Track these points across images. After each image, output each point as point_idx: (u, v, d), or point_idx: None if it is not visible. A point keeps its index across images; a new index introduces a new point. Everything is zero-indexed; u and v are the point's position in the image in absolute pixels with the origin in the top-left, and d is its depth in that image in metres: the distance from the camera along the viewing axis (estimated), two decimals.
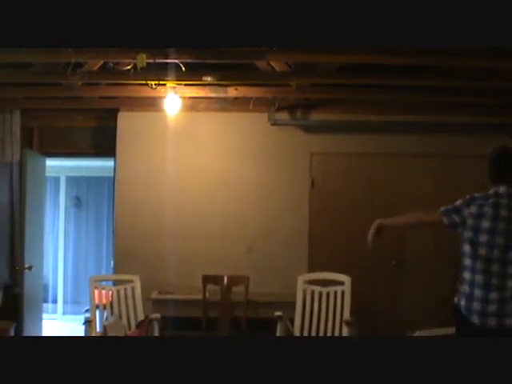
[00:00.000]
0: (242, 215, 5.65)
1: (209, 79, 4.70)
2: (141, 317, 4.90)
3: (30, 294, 5.62)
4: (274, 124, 5.61)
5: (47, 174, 6.29)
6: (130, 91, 5.17)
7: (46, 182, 6.67)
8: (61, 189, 8.47)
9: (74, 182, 8.63)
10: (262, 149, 5.68)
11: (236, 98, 5.47)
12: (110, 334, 4.46)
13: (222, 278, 5.08)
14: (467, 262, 2.97)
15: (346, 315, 4.71)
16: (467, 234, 2.97)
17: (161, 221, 5.59)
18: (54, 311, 8.30)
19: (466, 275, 2.96)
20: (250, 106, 5.52)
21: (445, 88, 5.05)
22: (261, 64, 4.74)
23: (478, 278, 2.90)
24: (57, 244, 8.50)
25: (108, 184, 7.78)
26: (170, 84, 4.77)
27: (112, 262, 5.89)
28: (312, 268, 5.43)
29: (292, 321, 4.83)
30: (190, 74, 4.63)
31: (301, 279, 4.95)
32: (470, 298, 2.92)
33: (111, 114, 5.69)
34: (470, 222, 2.97)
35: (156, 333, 4.57)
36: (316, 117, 5.68)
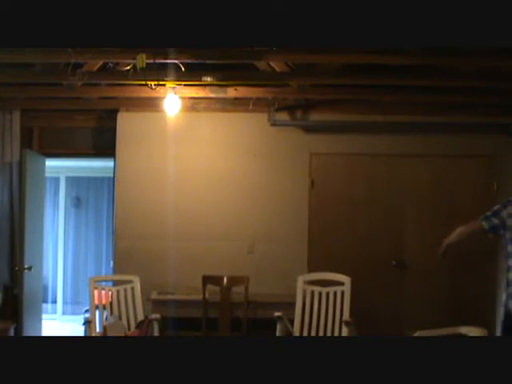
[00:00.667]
0: (241, 215, 5.65)
1: (209, 79, 4.69)
2: (140, 317, 4.90)
3: (30, 294, 5.62)
4: (273, 124, 5.61)
5: (47, 174, 6.29)
6: (129, 92, 5.17)
7: (46, 183, 6.67)
8: (61, 189, 8.48)
9: (74, 182, 8.63)
10: (262, 149, 5.68)
11: (236, 99, 5.47)
12: (110, 334, 4.45)
13: (222, 278, 5.08)
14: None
15: (346, 315, 4.70)
16: (509, 235, 2.98)
17: (160, 221, 5.59)
18: (54, 311, 8.30)
19: None
20: (250, 107, 5.52)
21: (445, 88, 5.05)
22: (261, 64, 4.74)
23: None
24: (56, 244, 8.50)
25: (108, 184, 7.80)
26: (169, 84, 4.76)
27: (112, 263, 5.89)
28: (312, 268, 5.44)
29: (292, 321, 4.83)
30: (190, 74, 4.63)
31: (301, 279, 4.94)
32: None
33: (111, 115, 5.69)
34: (509, 222, 2.98)
35: (156, 333, 4.57)
36: (316, 117, 5.68)
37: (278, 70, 4.77)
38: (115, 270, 5.63)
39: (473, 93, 5.10)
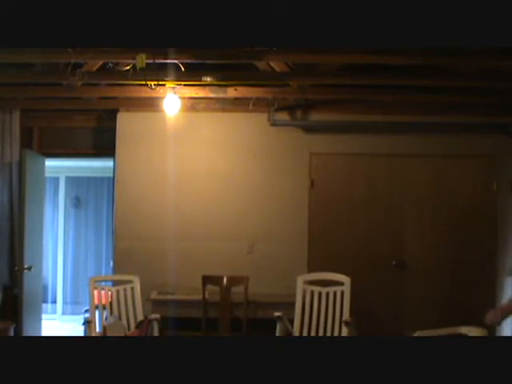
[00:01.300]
0: (241, 215, 5.65)
1: (208, 79, 4.69)
2: (140, 317, 4.89)
3: (30, 294, 5.62)
4: (273, 124, 5.61)
5: (47, 174, 6.29)
6: (129, 91, 5.17)
7: (46, 183, 6.67)
8: (60, 189, 8.47)
9: (74, 182, 8.62)
10: (262, 149, 5.68)
11: (236, 99, 5.47)
12: (110, 334, 4.44)
13: (222, 278, 5.08)
14: None
15: (346, 315, 4.70)
16: None
17: (160, 221, 5.59)
18: (54, 311, 8.29)
19: None
20: (250, 107, 5.52)
21: (445, 88, 5.05)
22: (261, 64, 4.74)
23: None
24: (56, 244, 8.49)
25: (108, 184, 7.79)
26: (169, 84, 4.76)
27: (111, 263, 5.89)
28: (312, 268, 5.44)
29: (292, 321, 4.83)
30: (190, 74, 4.63)
31: (300, 279, 4.94)
32: None
33: (111, 115, 5.69)
34: None
35: (156, 333, 4.56)
36: (316, 117, 5.68)
37: (277, 70, 4.77)
38: (115, 270, 5.63)
39: (473, 93, 5.10)
